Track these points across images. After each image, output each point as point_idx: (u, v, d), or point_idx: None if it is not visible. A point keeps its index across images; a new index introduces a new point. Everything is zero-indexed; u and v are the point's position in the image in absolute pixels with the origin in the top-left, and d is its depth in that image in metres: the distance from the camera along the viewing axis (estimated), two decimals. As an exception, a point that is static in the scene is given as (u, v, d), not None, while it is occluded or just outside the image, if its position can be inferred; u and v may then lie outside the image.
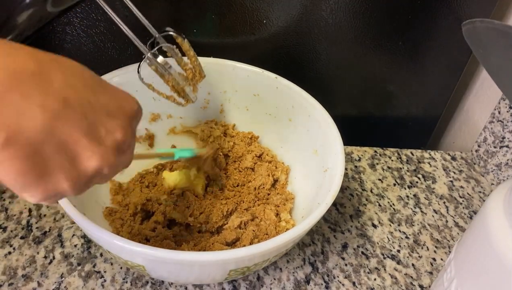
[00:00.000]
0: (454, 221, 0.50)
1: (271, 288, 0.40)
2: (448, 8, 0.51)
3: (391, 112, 0.61)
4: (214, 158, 0.46)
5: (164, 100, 0.48)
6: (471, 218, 0.51)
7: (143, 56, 0.37)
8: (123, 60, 0.49)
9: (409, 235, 0.47)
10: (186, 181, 0.44)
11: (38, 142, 0.20)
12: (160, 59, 0.37)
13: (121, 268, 0.40)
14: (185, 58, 0.40)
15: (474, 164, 0.58)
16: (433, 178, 0.55)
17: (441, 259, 0.45)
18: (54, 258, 0.40)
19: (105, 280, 0.39)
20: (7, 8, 0.32)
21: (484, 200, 0.49)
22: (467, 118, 0.63)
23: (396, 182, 0.54)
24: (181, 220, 0.42)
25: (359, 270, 0.43)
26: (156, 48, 0.38)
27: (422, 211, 0.50)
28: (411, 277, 0.43)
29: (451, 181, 0.55)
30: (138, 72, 0.38)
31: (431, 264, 0.45)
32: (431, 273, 0.44)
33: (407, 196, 0.52)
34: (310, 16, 0.50)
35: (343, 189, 0.51)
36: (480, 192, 0.54)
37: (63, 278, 0.39)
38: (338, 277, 0.42)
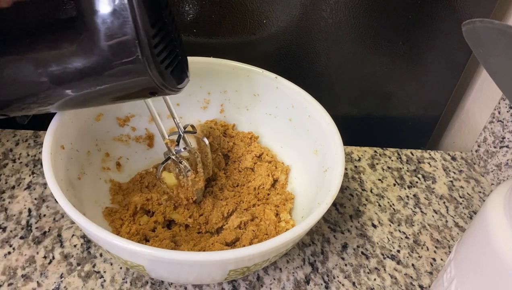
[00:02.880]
0: (454, 221, 0.50)
1: (271, 288, 0.40)
2: (448, 8, 0.51)
3: (391, 112, 0.61)
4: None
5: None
6: (471, 218, 0.51)
7: (166, 156, 0.41)
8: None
9: (409, 235, 0.47)
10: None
11: None
12: (184, 165, 0.40)
13: (120, 268, 0.40)
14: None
15: (474, 164, 0.58)
16: (433, 178, 0.55)
17: (441, 259, 0.45)
18: (53, 258, 0.40)
19: (104, 280, 0.39)
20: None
21: (484, 200, 0.49)
22: (467, 118, 0.63)
23: (396, 182, 0.54)
24: (180, 221, 0.42)
25: (359, 270, 0.43)
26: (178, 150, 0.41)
27: (422, 211, 0.50)
28: (411, 277, 0.43)
29: (451, 181, 0.55)
30: (158, 170, 0.41)
31: (431, 264, 0.45)
32: (431, 273, 0.44)
33: (407, 196, 0.52)
34: (310, 16, 0.50)
35: (343, 189, 0.51)
36: (480, 192, 0.54)
37: (63, 278, 0.39)
38: (338, 277, 0.42)
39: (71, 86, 0.30)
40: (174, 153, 0.40)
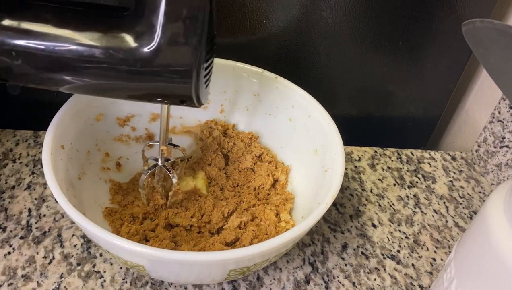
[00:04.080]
0: (454, 221, 0.50)
1: (271, 288, 0.40)
2: (448, 8, 0.51)
3: (391, 112, 0.61)
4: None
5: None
6: (471, 218, 0.51)
7: (151, 163, 0.40)
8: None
9: (409, 235, 0.47)
10: (187, 185, 0.44)
11: None
12: (172, 173, 0.40)
13: (120, 268, 0.40)
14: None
15: (474, 164, 0.58)
16: (433, 178, 0.55)
17: (441, 259, 0.45)
18: (53, 258, 0.40)
19: (104, 280, 0.39)
20: None
21: (484, 200, 0.49)
22: (467, 118, 0.63)
23: (396, 182, 0.54)
24: (184, 224, 0.42)
25: (359, 270, 0.43)
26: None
27: (422, 211, 0.50)
28: (411, 277, 0.43)
29: (451, 181, 0.55)
30: (141, 178, 0.41)
31: (431, 264, 0.45)
32: (431, 273, 0.44)
33: (407, 196, 0.52)
34: (310, 16, 0.50)
35: (343, 189, 0.51)
36: (480, 192, 0.54)
37: (63, 278, 0.39)
38: (338, 277, 0.42)
39: (100, 76, 0.28)
40: (164, 161, 0.40)
